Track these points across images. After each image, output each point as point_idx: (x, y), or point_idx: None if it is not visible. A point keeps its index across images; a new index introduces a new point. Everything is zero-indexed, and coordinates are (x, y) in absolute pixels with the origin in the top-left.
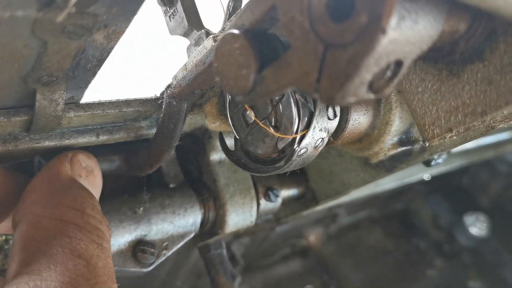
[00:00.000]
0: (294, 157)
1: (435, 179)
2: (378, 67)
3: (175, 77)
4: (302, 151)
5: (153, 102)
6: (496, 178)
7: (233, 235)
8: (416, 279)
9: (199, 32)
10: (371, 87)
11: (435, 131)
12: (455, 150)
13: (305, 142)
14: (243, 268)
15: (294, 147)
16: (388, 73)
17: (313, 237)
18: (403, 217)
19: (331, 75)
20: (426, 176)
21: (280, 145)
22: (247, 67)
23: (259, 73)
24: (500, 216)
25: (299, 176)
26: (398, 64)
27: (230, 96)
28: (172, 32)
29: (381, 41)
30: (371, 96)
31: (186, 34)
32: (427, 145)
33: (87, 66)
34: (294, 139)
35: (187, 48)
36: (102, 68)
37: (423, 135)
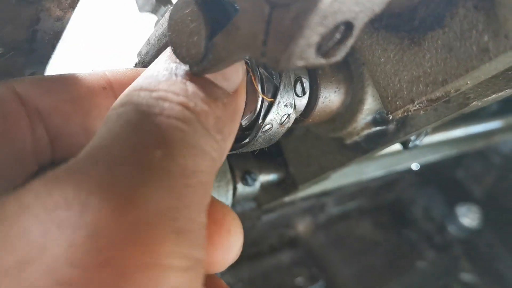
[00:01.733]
0: (259, 133)
1: (427, 170)
2: (324, 27)
3: (139, 53)
4: (267, 127)
5: None
6: (490, 170)
7: None
8: (407, 271)
9: (166, 7)
10: (320, 50)
11: (398, 102)
12: (443, 138)
13: (269, 117)
14: None
15: (259, 123)
16: (337, 36)
17: (301, 227)
18: (394, 208)
19: (276, 36)
20: (415, 165)
21: (244, 123)
22: (198, 33)
23: (210, 39)
24: (494, 207)
25: (278, 160)
26: (348, 26)
27: None
28: (141, 9)
29: None
30: (321, 60)
31: (154, 11)
32: (390, 118)
33: (45, 39)
34: (258, 115)
35: (155, 24)
36: (66, 41)
37: (386, 108)
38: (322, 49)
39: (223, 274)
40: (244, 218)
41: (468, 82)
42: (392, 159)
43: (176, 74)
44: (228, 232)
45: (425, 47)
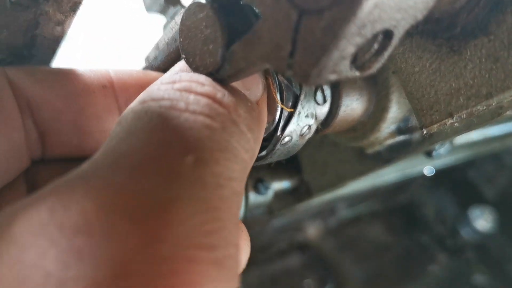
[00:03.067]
0: (278, 146)
1: (440, 172)
2: (362, 37)
3: (147, 59)
4: (286, 139)
5: None
6: (503, 171)
7: None
8: (418, 275)
9: (176, 8)
10: (355, 62)
11: (434, 116)
12: (459, 141)
13: (289, 129)
14: None
15: (278, 135)
16: (375, 46)
17: (311, 231)
18: (405, 211)
19: (306, 47)
20: (428, 170)
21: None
22: (214, 41)
23: (228, 48)
24: (507, 210)
25: (291, 167)
26: (387, 34)
27: None
28: (148, 9)
29: (364, 4)
30: (356, 73)
31: (163, 12)
32: (424, 132)
33: (45, 44)
34: (277, 127)
35: (164, 26)
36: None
37: (421, 121)
38: (358, 61)
39: None
40: (253, 222)
41: None
42: (409, 163)
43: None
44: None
45: (467, 56)
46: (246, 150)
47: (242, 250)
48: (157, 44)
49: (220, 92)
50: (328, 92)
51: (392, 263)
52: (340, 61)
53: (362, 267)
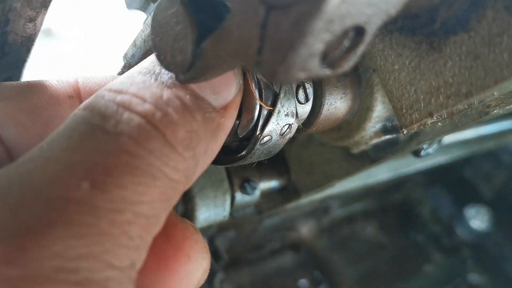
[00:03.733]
0: (257, 145)
1: (435, 170)
2: (330, 33)
3: (125, 56)
4: (266, 138)
5: None
6: (500, 169)
7: (217, 228)
8: (413, 275)
9: (156, 3)
10: (325, 59)
11: (414, 115)
12: (453, 139)
13: (268, 128)
14: (227, 264)
15: (257, 134)
16: (346, 43)
17: (304, 230)
18: (400, 210)
19: (273, 44)
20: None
21: (241, 133)
22: (184, 38)
23: (198, 45)
24: (503, 209)
25: (279, 167)
26: (359, 31)
27: None
28: (129, 6)
29: None
30: (326, 71)
31: (143, 8)
32: (404, 132)
33: (18, 42)
34: (256, 125)
35: (143, 23)
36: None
37: (400, 121)
38: (328, 59)
39: (222, 280)
40: (245, 222)
41: (495, 93)
42: (401, 162)
43: (156, 79)
44: (187, 258)
45: (447, 54)
46: (178, 171)
47: (193, 261)
48: (134, 41)
49: (160, 111)
50: (310, 91)
51: (387, 263)
52: (308, 59)
53: (356, 267)
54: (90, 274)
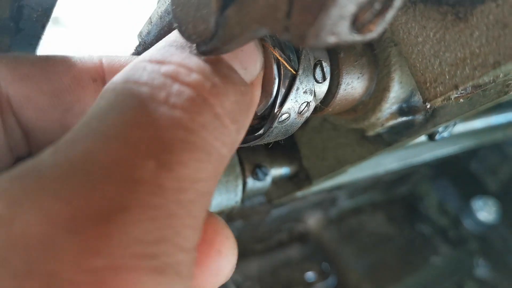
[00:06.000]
0: (275, 123)
1: (441, 162)
2: None
3: (140, 34)
4: (284, 116)
5: None
6: (506, 162)
7: (225, 218)
8: (420, 267)
9: None
10: (355, 23)
11: (438, 89)
12: (462, 129)
13: (287, 105)
14: None
15: (275, 112)
16: (377, 5)
17: (312, 221)
18: (407, 202)
19: (303, 6)
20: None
21: (259, 110)
22: (207, 5)
23: (222, 12)
24: (510, 201)
25: (291, 153)
26: None
27: None
28: None
29: None
30: (356, 37)
31: None
32: (428, 106)
33: (33, 17)
34: (274, 103)
35: (160, 0)
36: (60, 21)
37: (424, 95)
38: (358, 23)
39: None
40: (253, 212)
41: None
42: (410, 151)
43: (191, 49)
44: (219, 254)
45: (473, 23)
46: (225, 144)
47: (224, 257)
48: (150, 19)
49: (208, 81)
50: (327, 70)
51: (394, 254)
52: (339, 21)
53: (363, 258)
54: (167, 258)
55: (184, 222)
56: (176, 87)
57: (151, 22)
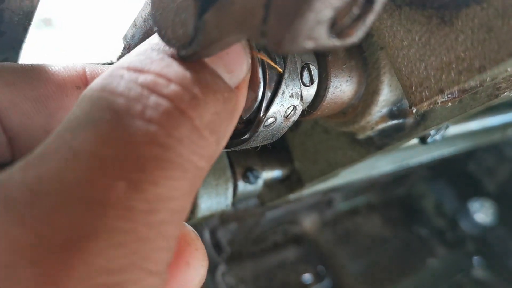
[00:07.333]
0: (261, 127)
1: (438, 163)
2: None
3: (125, 37)
4: (270, 120)
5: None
6: (504, 163)
7: (219, 221)
8: (417, 269)
9: None
10: (333, 28)
11: (424, 93)
12: (458, 131)
13: (272, 109)
14: (229, 256)
15: (261, 116)
16: (355, 10)
17: (307, 223)
18: (404, 204)
19: (279, 11)
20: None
21: (245, 114)
22: (186, 10)
23: (200, 17)
24: (507, 202)
25: (283, 156)
26: None
27: None
28: None
29: None
30: (335, 41)
31: None
32: (414, 111)
33: (14, 20)
34: (260, 107)
35: (144, 2)
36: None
37: (410, 99)
38: (336, 27)
39: (224, 272)
40: (247, 215)
41: (509, 69)
42: (405, 153)
43: (172, 55)
44: (187, 265)
45: (458, 27)
46: (203, 157)
47: (192, 269)
48: (134, 21)
49: (187, 93)
50: (315, 73)
51: (390, 256)
52: (316, 26)
53: (360, 261)
54: (133, 286)
55: (154, 245)
56: (153, 99)
57: (136, 25)
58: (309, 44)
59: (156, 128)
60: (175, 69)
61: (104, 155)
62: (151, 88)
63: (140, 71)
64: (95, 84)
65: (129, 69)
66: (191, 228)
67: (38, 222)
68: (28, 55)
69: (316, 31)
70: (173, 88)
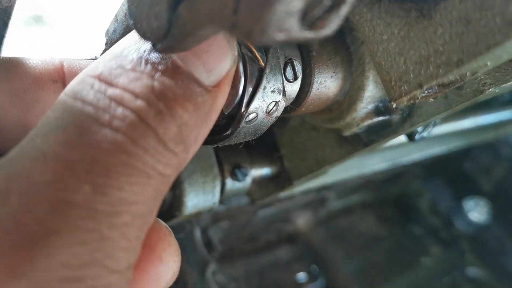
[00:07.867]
0: (242, 123)
1: (433, 162)
2: None
3: (107, 32)
4: (251, 116)
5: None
6: (499, 162)
7: (210, 219)
8: (411, 267)
9: None
10: (305, 19)
11: (403, 87)
12: (452, 129)
13: (254, 105)
14: (220, 255)
15: (242, 111)
16: (327, 1)
17: (300, 222)
18: (398, 202)
19: (249, 2)
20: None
21: (226, 110)
22: (160, 2)
23: (174, 9)
24: (502, 201)
25: (271, 154)
26: None
27: None
28: None
29: None
30: (307, 34)
31: None
32: (394, 106)
33: None
34: (241, 102)
35: None
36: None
37: (390, 94)
38: (308, 19)
39: (214, 271)
40: (239, 213)
41: (488, 63)
42: (396, 151)
43: (146, 60)
44: (159, 260)
45: (437, 20)
46: (170, 166)
47: (165, 264)
48: (116, 16)
49: (152, 109)
50: (299, 69)
51: (385, 255)
52: (286, 17)
53: (354, 260)
54: (93, 281)
55: (116, 245)
56: (119, 110)
57: (117, 20)
58: (280, 36)
59: (122, 136)
60: (143, 83)
61: (72, 159)
62: (118, 101)
63: (109, 83)
64: (68, 89)
65: (99, 79)
66: (164, 224)
67: (6, 219)
68: (18, 52)
69: (286, 23)
70: (138, 103)
